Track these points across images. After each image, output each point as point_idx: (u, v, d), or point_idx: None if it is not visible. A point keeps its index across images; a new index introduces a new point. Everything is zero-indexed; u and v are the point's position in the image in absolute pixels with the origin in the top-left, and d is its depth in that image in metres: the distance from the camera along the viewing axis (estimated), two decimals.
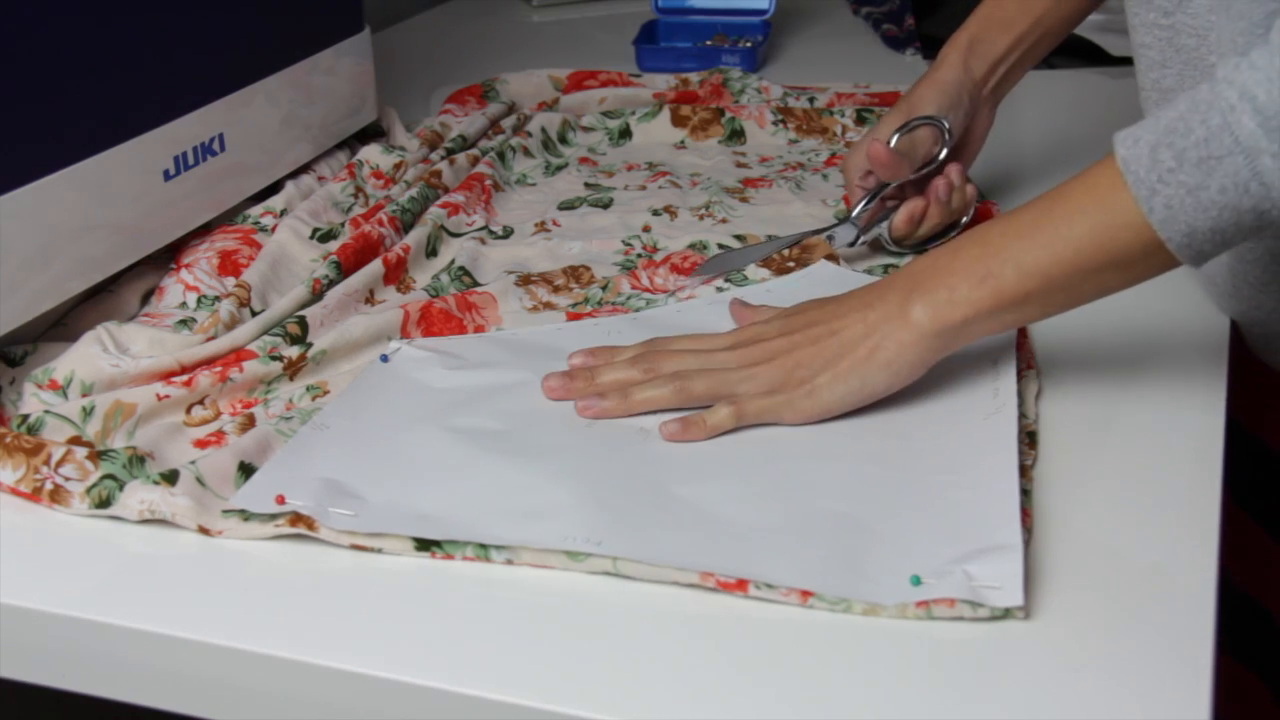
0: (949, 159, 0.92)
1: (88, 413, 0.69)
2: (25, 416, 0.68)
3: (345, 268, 0.84)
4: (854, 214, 0.90)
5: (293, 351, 0.75)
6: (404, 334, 0.80)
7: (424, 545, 0.61)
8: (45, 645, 0.59)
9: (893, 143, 0.90)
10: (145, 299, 0.84)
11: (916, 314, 0.68)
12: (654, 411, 0.71)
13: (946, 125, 0.91)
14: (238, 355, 0.74)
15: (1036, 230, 0.67)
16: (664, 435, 0.69)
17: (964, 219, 0.92)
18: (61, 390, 0.71)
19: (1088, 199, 0.65)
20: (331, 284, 0.83)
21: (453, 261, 0.89)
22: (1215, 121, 0.60)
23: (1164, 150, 0.62)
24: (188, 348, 0.74)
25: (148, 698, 0.59)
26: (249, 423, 0.71)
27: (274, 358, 0.74)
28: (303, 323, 0.78)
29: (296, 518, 0.61)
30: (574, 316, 0.83)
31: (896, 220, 0.89)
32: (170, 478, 0.63)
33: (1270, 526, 0.92)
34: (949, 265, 0.69)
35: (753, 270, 0.87)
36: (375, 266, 0.85)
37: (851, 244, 0.90)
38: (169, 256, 0.86)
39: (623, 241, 0.92)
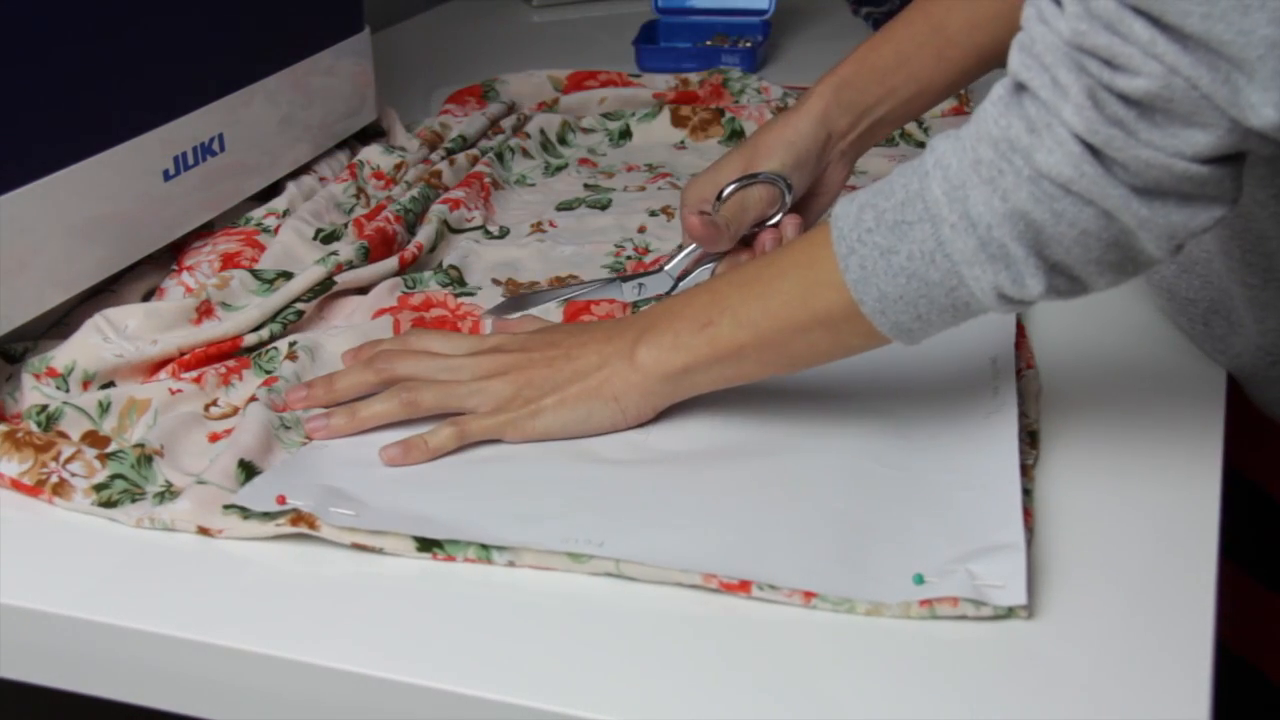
0: (792, 209, 0.84)
1: (104, 408, 0.69)
2: (44, 407, 0.68)
3: (372, 256, 0.85)
4: (668, 266, 0.84)
5: (283, 344, 0.77)
6: None
7: (425, 546, 0.60)
8: (45, 645, 0.59)
9: (726, 192, 0.81)
10: (146, 299, 0.83)
11: (642, 356, 0.67)
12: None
13: (788, 185, 0.82)
14: (241, 363, 0.75)
15: (755, 282, 0.65)
16: (384, 460, 0.67)
17: None
18: (61, 378, 0.71)
19: (802, 253, 0.64)
20: (353, 268, 0.83)
21: (442, 260, 0.89)
22: (914, 186, 0.59)
23: (868, 210, 0.60)
24: (184, 321, 0.75)
25: (148, 698, 0.59)
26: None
27: (267, 370, 0.75)
28: (300, 316, 0.80)
29: (297, 517, 0.61)
30: (571, 313, 0.82)
31: (719, 270, 0.83)
32: (176, 496, 0.64)
33: (1259, 569, 0.91)
34: (680, 311, 0.68)
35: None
36: (390, 263, 0.86)
37: (667, 293, 0.83)
38: (170, 257, 0.86)
39: (614, 244, 0.92)
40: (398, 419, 0.69)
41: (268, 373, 0.75)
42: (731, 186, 0.82)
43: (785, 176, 0.82)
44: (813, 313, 0.63)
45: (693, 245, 0.83)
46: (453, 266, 0.88)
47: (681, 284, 0.83)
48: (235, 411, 0.72)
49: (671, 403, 0.69)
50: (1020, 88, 0.56)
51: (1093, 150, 0.54)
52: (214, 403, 0.73)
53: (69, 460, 0.65)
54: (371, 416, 0.69)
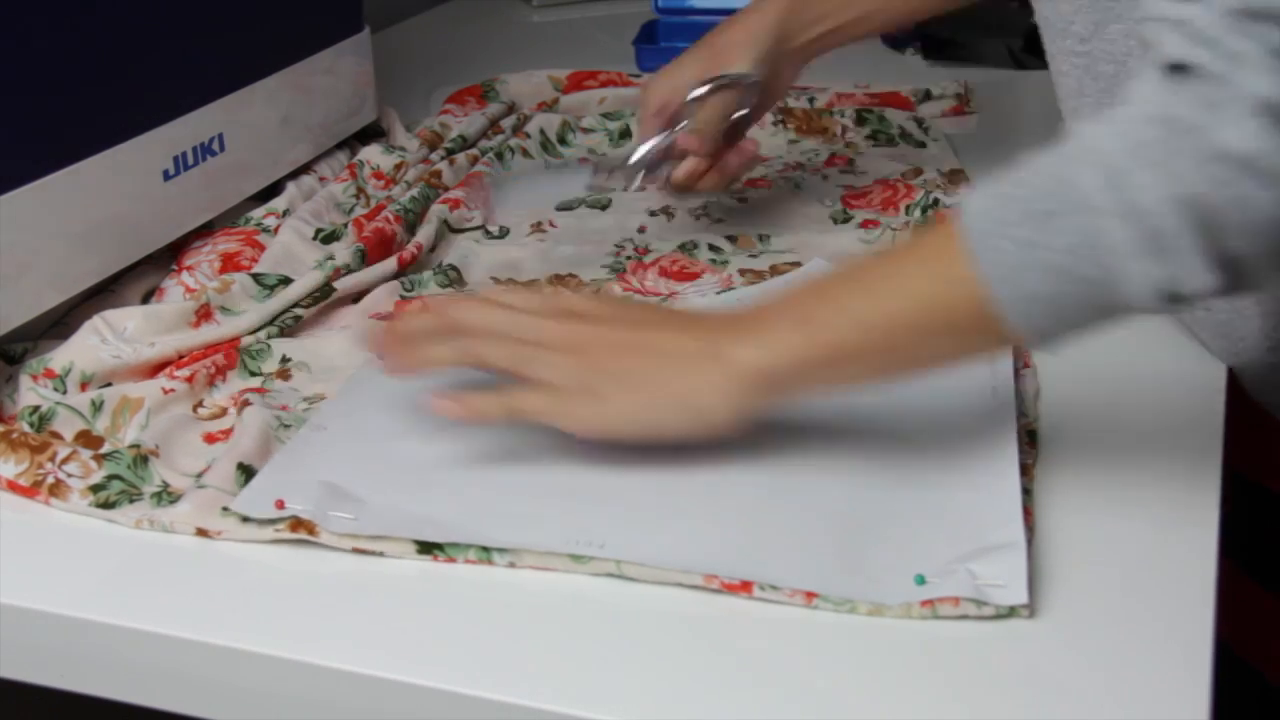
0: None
1: (97, 407, 0.69)
2: (36, 408, 0.68)
3: (369, 258, 0.85)
4: (633, 159, 0.86)
5: (276, 358, 0.77)
6: None
7: (426, 548, 0.60)
8: (45, 645, 0.59)
9: (696, 94, 0.83)
10: (146, 299, 0.83)
11: (730, 353, 0.60)
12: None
13: (757, 85, 0.83)
14: (229, 361, 0.75)
15: (866, 276, 0.61)
16: (434, 408, 0.63)
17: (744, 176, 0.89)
18: (59, 379, 0.71)
19: (923, 247, 0.59)
20: (350, 273, 0.83)
21: (441, 260, 0.89)
22: (1058, 173, 0.54)
23: (1002, 201, 0.56)
24: (183, 324, 0.75)
25: (148, 698, 0.59)
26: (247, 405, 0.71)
27: (254, 373, 0.75)
28: (298, 321, 0.79)
29: (297, 523, 0.61)
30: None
31: (677, 173, 0.86)
32: (174, 498, 0.64)
33: (1259, 569, 0.91)
34: (778, 308, 0.62)
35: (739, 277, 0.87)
36: (389, 264, 0.86)
37: (626, 188, 0.87)
38: (170, 257, 0.86)
39: (614, 244, 0.92)
40: (455, 365, 0.65)
41: (252, 374, 0.75)
42: (703, 89, 0.83)
43: (754, 76, 0.83)
44: (933, 312, 0.57)
45: (650, 141, 0.86)
46: (452, 266, 0.88)
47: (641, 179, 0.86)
48: (224, 412, 0.72)
49: (759, 413, 0.61)
50: (1175, 69, 0.51)
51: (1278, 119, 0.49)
52: (200, 403, 0.72)
53: (65, 461, 0.65)
54: (428, 359, 0.65)
